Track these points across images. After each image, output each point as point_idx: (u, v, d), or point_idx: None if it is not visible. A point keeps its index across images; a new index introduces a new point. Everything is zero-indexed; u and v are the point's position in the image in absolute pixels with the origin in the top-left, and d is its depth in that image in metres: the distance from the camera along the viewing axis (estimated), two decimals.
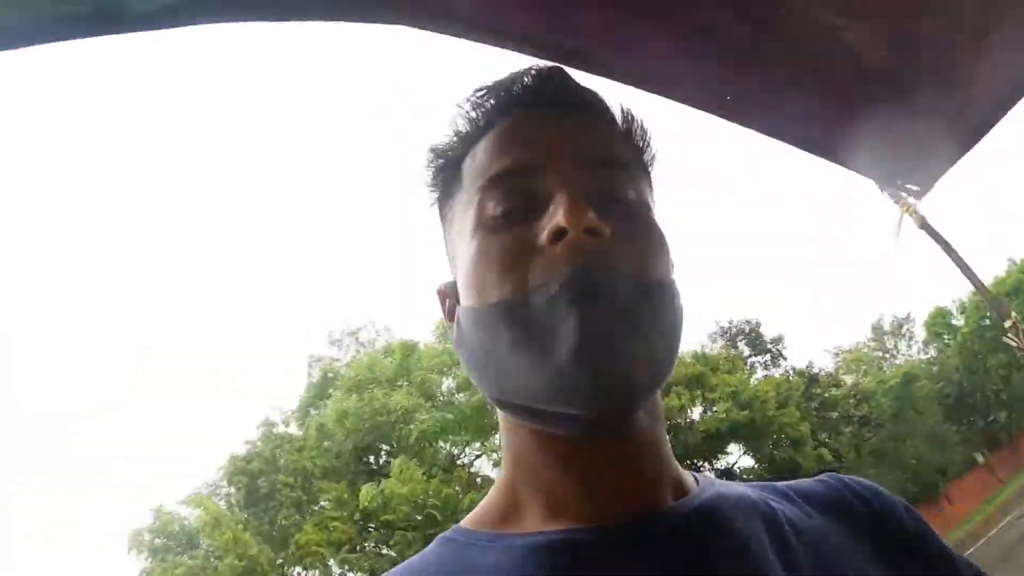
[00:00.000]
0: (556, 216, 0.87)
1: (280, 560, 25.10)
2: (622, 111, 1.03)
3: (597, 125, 1.00)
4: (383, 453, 28.32)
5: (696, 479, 1.00)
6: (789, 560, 0.88)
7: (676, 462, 0.98)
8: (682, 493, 0.95)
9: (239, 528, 24.23)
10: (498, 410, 0.97)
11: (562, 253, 0.86)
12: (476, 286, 0.91)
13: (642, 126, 1.04)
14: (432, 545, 0.95)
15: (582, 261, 0.85)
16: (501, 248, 0.90)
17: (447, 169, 1.04)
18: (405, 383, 27.99)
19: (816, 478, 1.10)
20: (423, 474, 24.41)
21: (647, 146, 1.04)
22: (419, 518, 23.46)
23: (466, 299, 0.94)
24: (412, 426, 25.63)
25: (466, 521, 0.97)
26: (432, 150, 1.05)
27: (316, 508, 26.73)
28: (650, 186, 1.03)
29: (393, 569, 0.93)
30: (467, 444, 28.34)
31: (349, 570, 25.39)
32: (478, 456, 28.92)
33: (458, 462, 28.57)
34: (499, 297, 0.88)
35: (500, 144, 0.97)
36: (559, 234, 0.86)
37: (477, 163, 0.98)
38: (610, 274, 0.85)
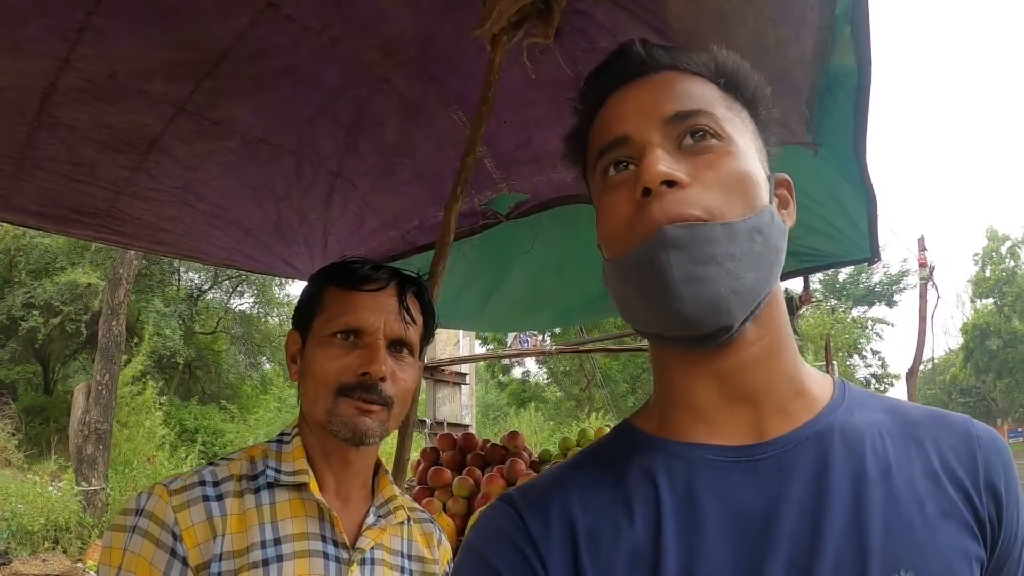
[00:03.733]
0: (641, 176, 1.02)
1: None
2: (714, 60, 1.13)
3: (676, 83, 1.10)
4: None
5: (834, 393, 1.12)
6: (860, 511, 0.97)
7: (808, 374, 1.11)
8: (810, 409, 1.07)
9: None
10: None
11: (650, 208, 1.01)
12: (605, 241, 1.10)
13: (737, 69, 1.14)
14: (611, 434, 1.19)
15: (665, 215, 0.99)
16: (614, 210, 1.07)
17: (579, 144, 1.20)
18: None
19: (963, 421, 1.11)
20: None
21: (743, 86, 1.14)
22: None
23: (604, 252, 1.13)
24: None
25: (633, 417, 1.19)
26: (569, 133, 1.22)
27: None
28: (749, 121, 1.13)
29: (586, 448, 1.20)
30: None
31: None
32: None
33: None
34: (618, 252, 1.06)
35: (600, 124, 1.13)
36: (645, 192, 1.01)
37: (591, 141, 1.15)
38: (690, 228, 0.98)
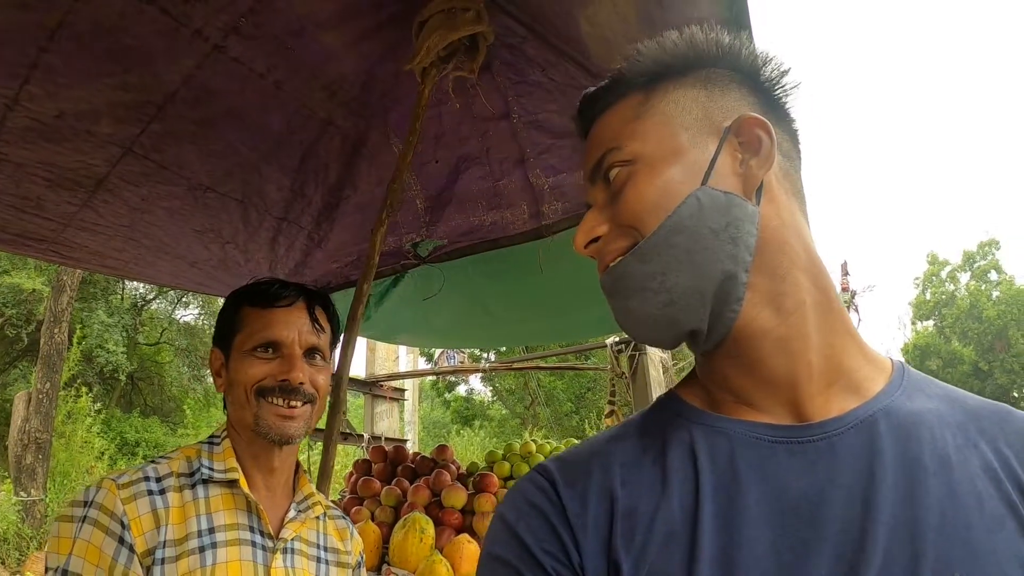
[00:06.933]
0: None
1: None
2: (633, 66, 1.10)
3: (596, 132, 1.13)
4: None
5: (892, 377, 1.06)
6: (915, 505, 0.90)
7: (857, 355, 1.05)
8: (862, 392, 1.02)
9: None
10: None
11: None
12: None
13: (655, 56, 1.09)
14: (655, 404, 1.15)
15: (600, 266, 1.08)
16: None
17: None
18: None
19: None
20: None
21: (669, 65, 1.09)
22: None
23: None
24: None
25: (679, 387, 1.15)
26: None
27: None
28: (686, 89, 1.07)
29: (628, 419, 1.15)
30: None
31: None
32: None
33: None
34: None
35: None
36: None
37: None
38: (610, 273, 1.04)
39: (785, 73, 1.08)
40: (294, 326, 1.93)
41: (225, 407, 2.01)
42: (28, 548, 14.79)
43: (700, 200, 0.99)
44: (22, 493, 15.65)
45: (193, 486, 1.81)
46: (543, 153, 3.14)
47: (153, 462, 1.86)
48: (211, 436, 1.98)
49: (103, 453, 19.41)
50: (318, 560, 1.98)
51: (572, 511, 0.99)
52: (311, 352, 1.96)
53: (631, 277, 1.01)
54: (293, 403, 1.88)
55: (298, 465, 2.09)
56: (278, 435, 1.87)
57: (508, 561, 1.00)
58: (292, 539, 1.91)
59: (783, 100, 1.10)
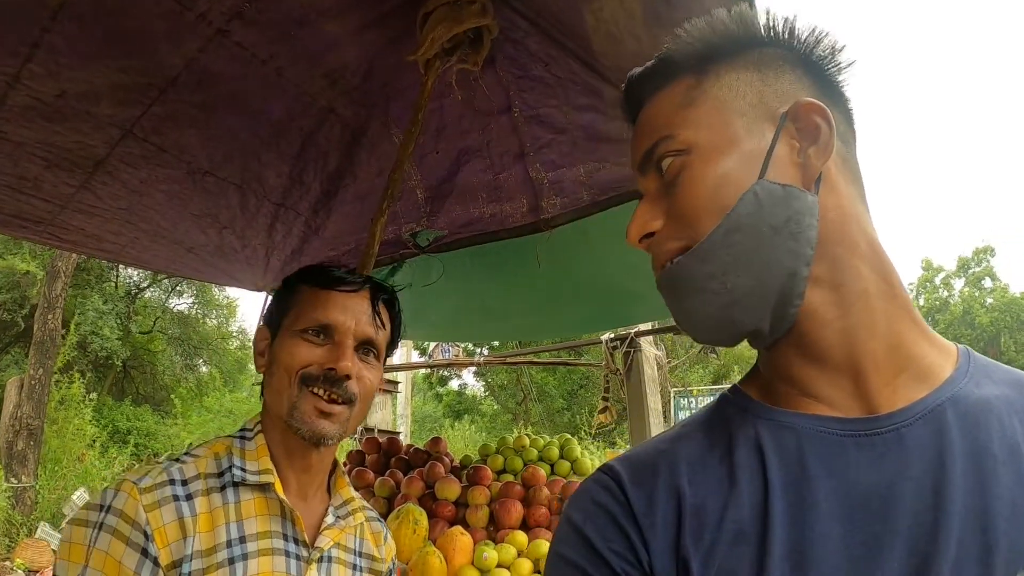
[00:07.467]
0: None
1: None
2: (682, 51, 1.06)
3: (645, 119, 1.09)
4: None
5: (959, 364, 1.02)
6: (985, 495, 0.88)
7: (921, 343, 1.01)
8: (929, 381, 0.99)
9: None
10: None
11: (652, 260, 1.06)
12: None
13: (706, 38, 1.05)
14: (719, 400, 1.12)
15: (655, 263, 1.05)
16: None
17: None
18: None
19: None
20: None
21: (719, 48, 1.05)
22: None
23: None
24: None
25: (743, 382, 1.12)
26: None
27: None
28: (739, 71, 1.04)
29: (693, 415, 1.13)
30: None
31: None
32: None
33: None
34: None
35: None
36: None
37: None
38: (667, 272, 1.02)
39: (839, 51, 1.05)
40: (352, 313, 1.78)
41: (263, 393, 1.85)
42: (18, 535, 14.75)
43: (758, 195, 0.96)
44: (13, 479, 15.65)
45: (222, 488, 1.66)
46: (543, 148, 3.14)
47: (178, 461, 1.69)
48: (242, 429, 1.82)
49: (95, 440, 19.37)
50: (354, 567, 1.86)
51: (640, 510, 0.98)
52: (365, 346, 1.81)
53: (690, 278, 0.99)
54: (334, 396, 1.72)
55: (335, 464, 1.93)
56: (310, 432, 1.71)
57: (575, 562, 0.99)
58: (329, 548, 1.78)
59: (837, 80, 1.06)
